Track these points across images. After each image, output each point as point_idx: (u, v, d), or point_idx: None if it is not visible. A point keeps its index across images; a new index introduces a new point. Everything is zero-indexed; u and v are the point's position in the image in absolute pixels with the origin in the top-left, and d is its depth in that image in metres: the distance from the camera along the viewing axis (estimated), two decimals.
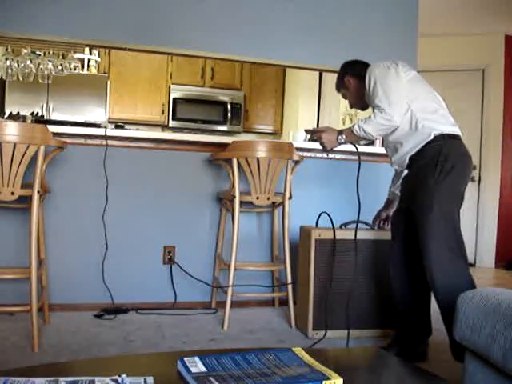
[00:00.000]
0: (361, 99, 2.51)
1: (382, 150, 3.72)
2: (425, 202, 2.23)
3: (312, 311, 2.72)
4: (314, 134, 2.51)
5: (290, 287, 2.98)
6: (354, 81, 2.53)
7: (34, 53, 4.19)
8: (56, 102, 5.37)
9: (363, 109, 2.59)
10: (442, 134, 2.25)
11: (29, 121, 3.70)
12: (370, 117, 2.30)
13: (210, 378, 0.89)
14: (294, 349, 1.08)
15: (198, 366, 0.94)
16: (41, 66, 4.22)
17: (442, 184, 2.21)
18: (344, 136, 2.39)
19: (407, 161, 2.39)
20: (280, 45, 3.77)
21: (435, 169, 2.22)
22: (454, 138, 2.29)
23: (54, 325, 2.77)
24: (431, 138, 2.25)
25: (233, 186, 2.92)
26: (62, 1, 3.35)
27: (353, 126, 2.36)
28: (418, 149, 2.30)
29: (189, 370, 0.92)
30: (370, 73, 2.35)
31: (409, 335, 2.45)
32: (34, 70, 4.21)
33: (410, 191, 2.37)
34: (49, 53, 4.27)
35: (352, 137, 2.38)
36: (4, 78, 4.38)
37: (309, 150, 3.42)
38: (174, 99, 6.19)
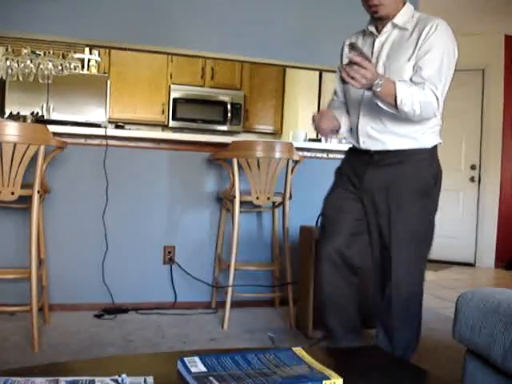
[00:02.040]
0: (395, 7, 1.95)
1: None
2: (419, 210, 1.97)
3: (312, 311, 2.72)
4: (357, 56, 1.70)
5: (290, 287, 2.98)
6: None
7: (34, 53, 4.19)
8: (56, 102, 5.37)
9: (382, 17, 1.96)
10: (435, 145, 2.02)
11: (29, 121, 3.70)
12: (423, 88, 1.82)
13: (210, 377, 0.89)
14: (293, 349, 1.08)
15: (198, 365, 0.94)
16: (41, 66, 4.22)
17: (437, 197, 2.03)
18: (381, 83, 1.74)
19: (381, 148, 2.00)
20: (280, 45, 3.77)
21: (433, 179, 1.99)
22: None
23: (54, 325, 2.76)
24: (427, 147, 1.98)
25: (233, 185, 2.92)
26: (61, 1, 3.34)
27: (399, 81, 1.81)
28: (407, 148, 1.96)
29: (189, 370, 0.92)
30: (440, 32, 1.89)
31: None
32: (34, 70, 4.21)
33: (394, 191, 1.97)
34: (49, 53, 4.27)
35: (387, 93, 1.78)
36: (4, 77, 4.38)
37: (309, 150, 3.43)
38: (174, 99, 6.19)
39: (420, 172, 1.97)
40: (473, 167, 5.73)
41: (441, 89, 1.84)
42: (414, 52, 1.88)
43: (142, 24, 3.50)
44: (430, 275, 4.83)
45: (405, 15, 1.97)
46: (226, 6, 3.67)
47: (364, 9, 1.99)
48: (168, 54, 5.54)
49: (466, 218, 5.74)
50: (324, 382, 0.92)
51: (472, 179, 5.70)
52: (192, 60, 5.93)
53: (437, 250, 6.05)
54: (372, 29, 2.03)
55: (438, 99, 1.84)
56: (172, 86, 6.19)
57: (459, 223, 5.70)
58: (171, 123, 6.20)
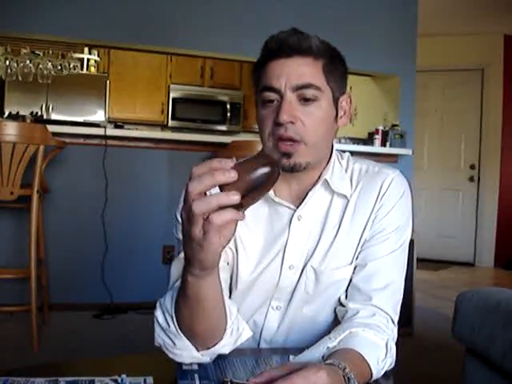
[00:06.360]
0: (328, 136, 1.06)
1: (382, 150, 3.72)
2: None
3: None
4: None
5: None
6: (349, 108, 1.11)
7: (33, 53, 4.18)
8: (55, 102, 5.36)
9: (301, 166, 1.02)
10: None
11: (28, 121, 3.70)
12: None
13: (196, 374, 0.88)
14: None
15: (192, 364, 0.93)
16: (40, 66, 4.21)
17: None
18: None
19: None
20: None
21: None
22: None
23: (53, 325, 2.76)
24: None
25: None
26: (61, 1, 3.34)
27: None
28: None
29: (181, 368, 0.91)
30: None
31: None
32: (34, 70, 4.20)
33: None
34: (48, 53, 4.27)
35: None
36: (3, 77, 4.38)
37: None
38: (174, 99, 6.19)
39: None
40: (472, 167, 5.73)
41: None
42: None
43: (142, 24, 3.50)
44: (429, 275, 4.83)
45: None
46: (226, 5, 3.67)
47: None
48: (168, 53, 5.54)
49: (465, 217, 5.74)
50: None
51: (471, 179, 5.70)
52: (191, 60, 5.93)
53: (436, 250, 6.07)
54: None
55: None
56: (171, 85, 6.18)
57: (458, 223, 5.70)
58: (170, 123, 6.19)
